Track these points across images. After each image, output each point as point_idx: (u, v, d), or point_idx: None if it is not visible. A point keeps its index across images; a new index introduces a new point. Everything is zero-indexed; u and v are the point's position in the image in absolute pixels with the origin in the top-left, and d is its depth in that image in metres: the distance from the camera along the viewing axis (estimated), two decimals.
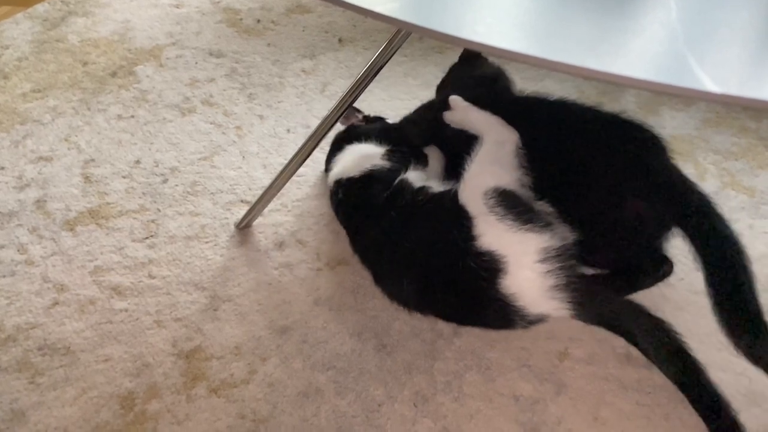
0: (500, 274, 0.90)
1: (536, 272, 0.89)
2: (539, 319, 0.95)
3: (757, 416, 0.97)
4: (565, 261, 0.89)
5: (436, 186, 1.05)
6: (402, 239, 1.01)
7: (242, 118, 1.48)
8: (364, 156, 1.15)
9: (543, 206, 0.95)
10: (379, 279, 1.07)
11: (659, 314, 1.09)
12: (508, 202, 0.92)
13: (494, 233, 0.91)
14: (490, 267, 0.90)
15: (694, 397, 0.90)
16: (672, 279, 1.14)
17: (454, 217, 0.96)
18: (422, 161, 1.12)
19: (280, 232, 1.24)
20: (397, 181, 1.07)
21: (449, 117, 1.08)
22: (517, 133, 1.01)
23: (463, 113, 1.07)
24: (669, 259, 1.06)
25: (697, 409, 0.89)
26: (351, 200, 1.13)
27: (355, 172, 1.12)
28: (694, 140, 1.38)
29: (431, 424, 0.98)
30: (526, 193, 0.96)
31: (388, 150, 1.14)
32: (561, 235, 0.91)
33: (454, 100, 1.08)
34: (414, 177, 1.07)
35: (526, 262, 0.89)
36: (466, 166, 0.99)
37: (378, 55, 1.08)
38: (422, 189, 1.04)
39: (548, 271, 0.89)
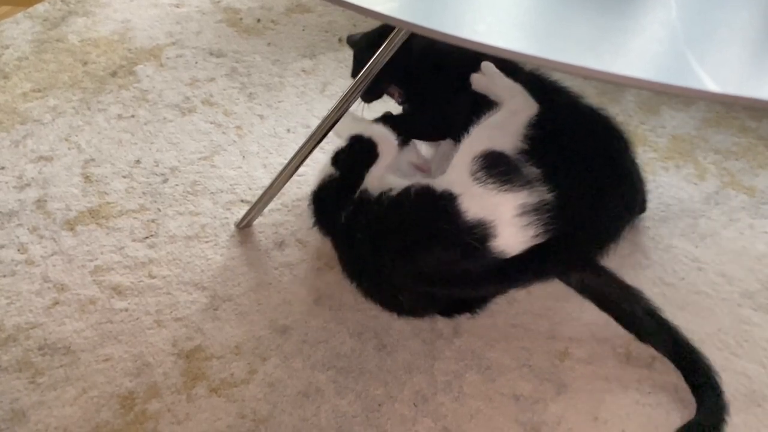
0: (491, 238, 0.94)
1: (517, 226, 0.95)
2: None
3: (757, 416, 0.97)
4: (542, 214, 0.96)
5: (397, 184, 1.04)
6: (383, 248, 1.00)
7: (242, 117, 1.48)
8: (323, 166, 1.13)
9: (529, 169, 0.99)
10: (370, 294, 1.07)
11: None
12: (491, 164, 0.96)
13: (479, 202, 0.95)
14: (481, 234, 0.94)
15: (673, 358, 0.99)
16: (672, 279, 1.14)
17: (435, 207, 0.98)
18: (373, 157, 1.09)
19: (280, 232, 1.24)
20: (357, 195, 1.05)
21: (476, 81, 1.10)
22: (536, 107, 1.04)
23: (490, 79, 1.09)
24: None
25: (681, 370, 0.99)
26: (318, 216, 1.12)
27: (315, 184, 1.12)
28: (694, 140, 1.38)
29: (431, 423, 0.98)
30: (515, 156, 1.00)
31: (334, 154, 1.11)
32: (538, 193, 0.96)
33: (486, 65, 1.10)
34: (373, 184, 1.05)
35: (508, 219, 0.95)
36: (461, 143, 1.02)
37: (378, 54, 1.08)
38: (382, 196, 1.02)
39: (527, 224, 0.95)
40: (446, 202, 0.96)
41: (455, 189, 0.97)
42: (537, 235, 0.96)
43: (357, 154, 1.09)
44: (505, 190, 0.95)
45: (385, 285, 1.04)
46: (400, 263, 0.99)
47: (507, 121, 1.03)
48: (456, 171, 0.99)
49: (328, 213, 1.09)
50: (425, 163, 1.18)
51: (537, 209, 0.95)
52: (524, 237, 0.96)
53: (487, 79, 1.09)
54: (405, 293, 1.04)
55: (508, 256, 0.96)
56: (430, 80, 1.19)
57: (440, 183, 0.99)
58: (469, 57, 1.09)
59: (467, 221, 0.94)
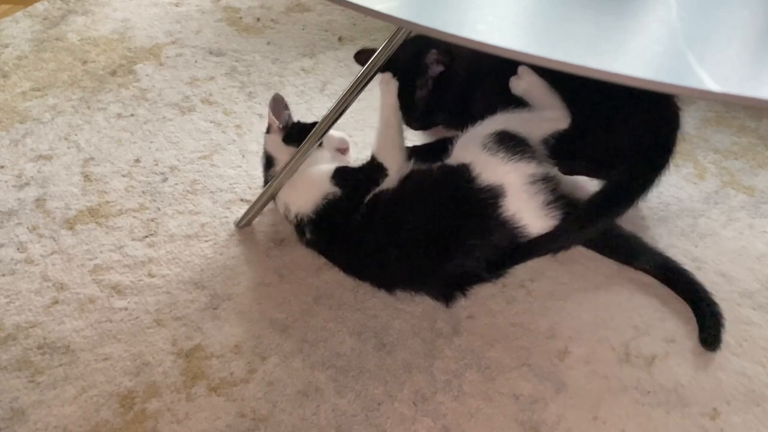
0: (501, 198, 1.02)
1: (529, 193, 1.02)
2: None
3: (756, 415, 0.97)
4: (551, 183, 1.03)
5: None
6: (406, 231, 1.06)
7: (242, 116, 1.48)
8: (313, 185, 1.15)
9: (539, 149, 1.07)
10: (393, 282, 1.11)
11: (659, 312, 1.10)
12: (502, 139, 1.04)
13: (489, 168, 1.03)
14: (493, 195, 1.02)
15: (683, 292, 1.09)
16: None
17: (450, 179, 1.06)
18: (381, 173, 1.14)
19: (279, 231, 1.24)
20: (368, 199, 1.11)
21: (515, 84, 1.13)
22: (567, 122, 1.09)
23: (528, 84, 1.11)
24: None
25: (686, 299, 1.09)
26: (323, 237, 1.15)
27: (311, 208, 1.14)
28: (694, 139, 1.38)
29: (431, 423, 0.98)
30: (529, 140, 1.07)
31: (335, 171, 1.16)
32: (547, 167, 1.05)
33: (524, 69, 1.11)
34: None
35: (519, 185, 1.02)
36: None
37: (378, 53, 1.08)
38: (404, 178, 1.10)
39: (538, 191, 1.02)
40: (464, 171, 1.04)
41: (466, 159, 1.05)
42: (549, 204, 1.02)
43: (368, 174, 1.14)
44: (514, 161, 1.02)
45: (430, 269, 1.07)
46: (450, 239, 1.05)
47: (534, 122, 1.08)
48: (465, 144, 1.07)
49: (338, 227, 1.13)
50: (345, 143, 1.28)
51: (545, 180, 1.03)
52: (535, 204, 1.02)
53: (525, 84, 1.11)
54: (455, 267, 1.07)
55: (524, 224, 1.02)
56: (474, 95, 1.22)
57: (452, 159, 1.08)
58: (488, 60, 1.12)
59: (480, 185, 1.02)
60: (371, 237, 1.09)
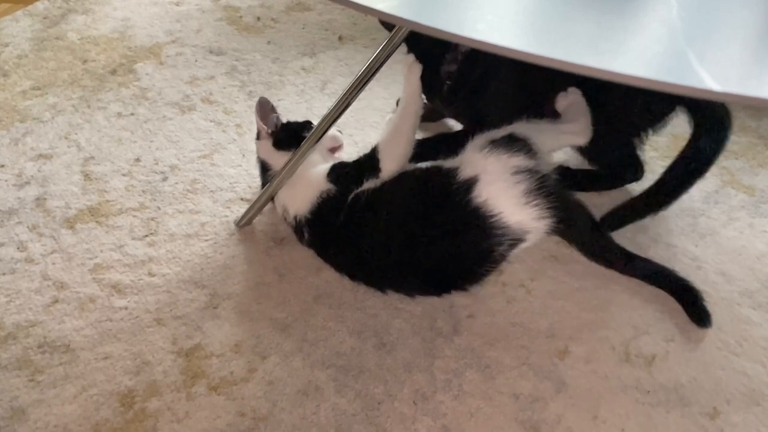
0: (473, 186, 1.00)
1: (508, 182, 0.99)
2: (519, 237, 1.01)
3: (756, 415, 0.97)
4: (536, 175, 1.00)
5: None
6: (392, 232, 1.06)
7: (242, 116, 1.48)
8: (310, 185, 1.15)
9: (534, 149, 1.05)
10: (382, 280, 1.10)
11: (659, 312, 1.10)
12: (502, 141, 1.03)
13: (471, 164, 1.02)
14: (467, 185, 1.01)
15: (670, 289, 1.11)
16: None
17: (435, 178, 1.05)
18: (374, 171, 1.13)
19: (279, 230, 1.24)
20: (351, 198, 1.10)
21: (561, 100, 1.14)
22: (587, 139, 1.11)
23: (571, 102, 1.12)
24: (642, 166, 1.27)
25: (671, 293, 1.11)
26: (319, 237, 1.15)
27: (308, 208, 1.14)
28: None
29: (431, 422, 0.98)
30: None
31: (331, 168, 1.15)
32: (537, 162, 1.02)
33: (573, 90, 1.13)
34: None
35: (496, 174, 1.00)
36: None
37: (378, 53, 1.08)
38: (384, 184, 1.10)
39: (519, 181, 0.99)
40: (451, 171, 1.03)
41: (456, 163, 1.04)
42: (530, 191, 0.99)
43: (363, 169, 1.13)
44: (497, 154, 1.01)
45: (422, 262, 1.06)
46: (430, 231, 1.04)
47: (550, 132, 1.08)
48: (469, 150, 1.06)
49: (325, 229, 1.13)
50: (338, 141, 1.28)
51: (530, 172, 1.00)
52: (515, 192, 0.99)
53: (568, 101, 1.12)
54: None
55: (497, 211, 0.99)
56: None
57: (449, 162, 1.06)
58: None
59: (459, 180, 1.01)
60: (360, 237, 1.08)
